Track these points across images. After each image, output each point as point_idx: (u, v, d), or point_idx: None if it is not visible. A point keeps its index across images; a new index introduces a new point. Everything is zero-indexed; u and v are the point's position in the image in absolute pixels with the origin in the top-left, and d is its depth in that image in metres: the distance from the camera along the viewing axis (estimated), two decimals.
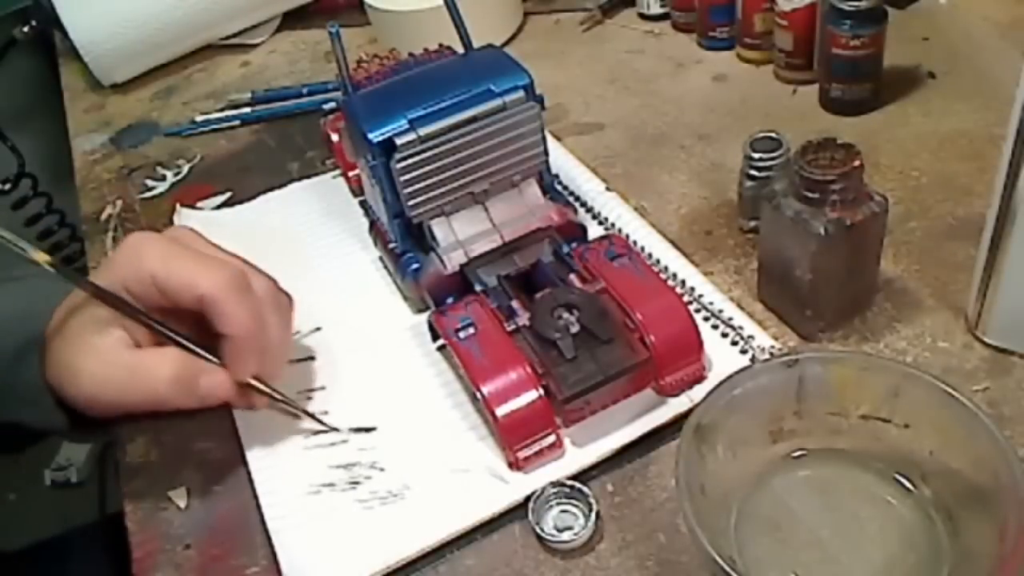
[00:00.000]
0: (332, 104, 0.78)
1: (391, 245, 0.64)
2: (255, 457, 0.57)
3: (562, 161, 0.75)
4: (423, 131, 0.57)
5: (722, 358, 0.57)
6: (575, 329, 0.54)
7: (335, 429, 0.58)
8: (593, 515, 0.51)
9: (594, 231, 0.67)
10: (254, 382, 0.57)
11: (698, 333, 0.56)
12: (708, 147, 0.77)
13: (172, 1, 0.95)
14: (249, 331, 0.54)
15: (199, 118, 0.91)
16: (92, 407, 0.56)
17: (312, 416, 0.58)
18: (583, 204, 0.71)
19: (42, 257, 0.53)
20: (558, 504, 0.52)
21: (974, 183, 0.68)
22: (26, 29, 1.03)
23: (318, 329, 0.65)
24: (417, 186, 0.59)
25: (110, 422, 0.59)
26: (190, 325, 0.56)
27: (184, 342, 0.56)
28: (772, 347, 0.58)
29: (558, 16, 0.98)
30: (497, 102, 0.59)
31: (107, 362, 0.54)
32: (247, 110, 0.91)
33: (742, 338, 0.59)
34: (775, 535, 0.49)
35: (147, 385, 0.54)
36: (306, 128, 0.86)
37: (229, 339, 0.54)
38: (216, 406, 0.57)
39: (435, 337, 0.59)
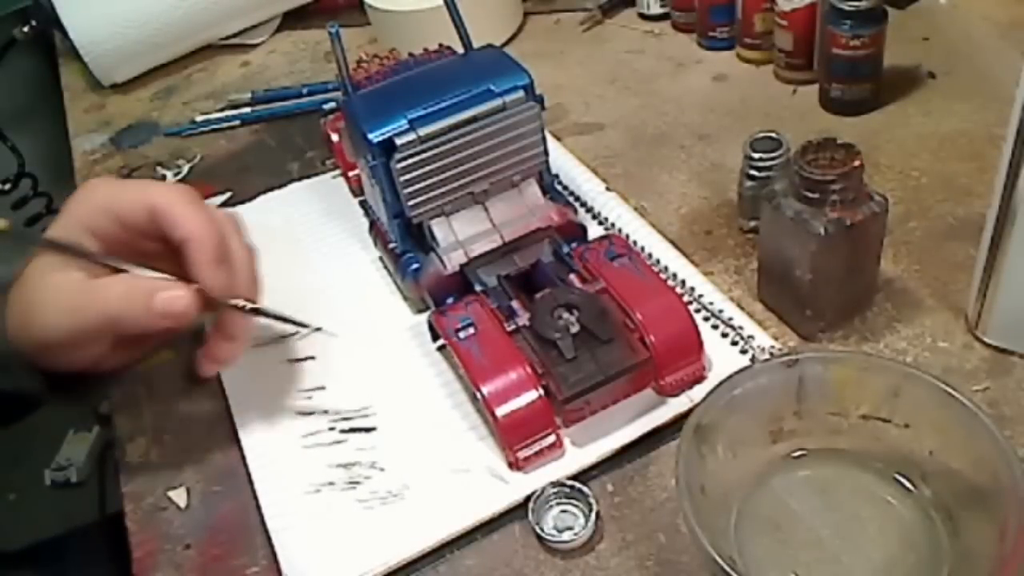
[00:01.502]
0: (332, 104, 0.78)
1: (391, 245, 0.64)
2: (255, 457, 0.57)
3: (562, 161, 0.75)
4: (423, 131, 0.57)
5: (722, 358, 0.57)
6: (575, 329, 0.54)
7: (306, 325, 0.57)
8: (593, 515, 0.51)
9: (594, 231, 0.67)
10: (241, 302, 0.54)
11: (698, 333, 0.56)
12: (708, 147, 0.77)
13: (172, 1, 0.95)
14: (205, 231, 0.52)
15: (199, 118, 0.91)
16: (50, 342, 0.53)
17: (293, 321, 0.56)
18: (583, 204, 0.71)
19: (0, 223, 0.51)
20: (558, 504, 0.52)
21: (974, 183, 0.68)
22: (26, 29, 1.03)
23: (318, 329, 0.65)
24: (417, 186, 0.59)
25: (86, 378, 0.57)
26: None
27: (145, 269, 0.53)
28: (772, 347, 0.58)
29: (558, 16, 0.98)
30: (497, 102, 0.59)
31: (62, 290, 0.52)
32: (247, 110, 0.91)
33: (742, 338, 0.59)
34: (775, 535, 0.49)
35: (99, 302, 0.51)
36: (306, 128, 0.86)
37: (187, 245, 0.52)
38: (181, 326, 0.52)
39: (435, 337, 0.59)
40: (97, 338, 0.54)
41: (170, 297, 0.51)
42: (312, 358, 0.63)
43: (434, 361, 0.61)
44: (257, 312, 0.55)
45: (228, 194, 0.80)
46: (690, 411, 0.49)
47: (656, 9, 0.93)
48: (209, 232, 0.52)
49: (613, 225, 0.69)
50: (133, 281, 0.53)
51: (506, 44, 0.94)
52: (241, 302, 0.54)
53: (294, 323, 0.58)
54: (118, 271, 0.53)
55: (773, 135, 0.63)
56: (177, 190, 0.54)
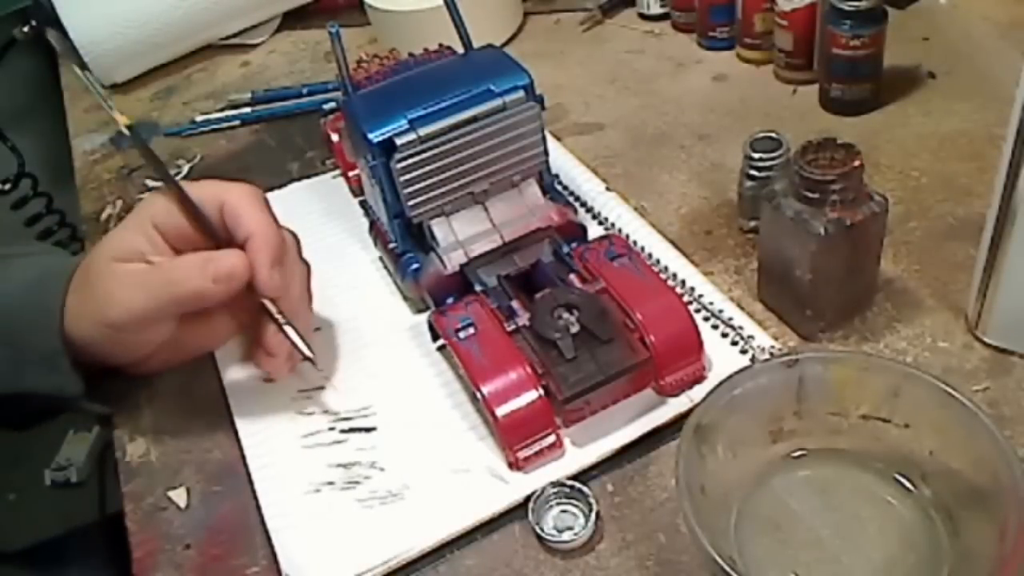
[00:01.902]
0: (332, 104, 0.78)
1: (391, 245, 0.64)
2: (254, 456, 0.57)
3: (562, 161, 0.75)
4: (423, 131, 0.57)
5: (722, 358, 0.57)
6: (575, 329, 0.54)
7: (314, 364, 0.58)
8: (593, 515, 0.51)
9: (594, 231, 0.67)
10: (269, 305, 0.56)
11: (698, 333, 0.56)
12: (708, 147, 0.77)
13: (172, 1, 0.95)
14: (268, 232, 0.55)
15: (199, 118, 0.91)
16: (125, 321, 0.56)
17: (307, 356, 0.57)
18: (583, 204, 0.71)
19: (123, 119, 0.56)
20: (558, 504, 0.52)
21: (974, 183, 0.68)
22: (26, 29, 1.02)
23: (318, 329, 0.65)
24: (417, 186, 0.59)
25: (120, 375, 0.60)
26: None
27: (212, 235, 0.56)
28: (772, 347, 0.58)
29: (558, 16, 0.98)
30: (497, 102, 0.59)
31: (132, 273, 0.55)
32: (247, 110, 0.91)
33: (742, 338, 0.59)
34: (775, 535, 0.49)
35: (166, 276, 0.55)
36: (306, 128, 0.86)
37: (249, 242, 0.55)
38: (233, 290, 0.55)
39: (435, 337, 0.59)
40: (166, 313, 0.56)
41: (230, 263, 0.54)
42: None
43: (434, 361, 0.61)
44: (285, 324, 0.57)
45: None
46: (690, 411, 0.49)
47: (656, 9, 0.93)
48: (271, 234, 0.56)
49: (613, 225, 0.69)
50: (192, 255, 0.56)
51: (506, 44, 0.94)
52: (274, 310, 0.57)
53: (307, 357, 0.58)
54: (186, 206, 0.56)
55: (773, 135, 0.63)
56: (248, 191, 0.57)
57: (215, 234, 0.56)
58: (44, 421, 0.66)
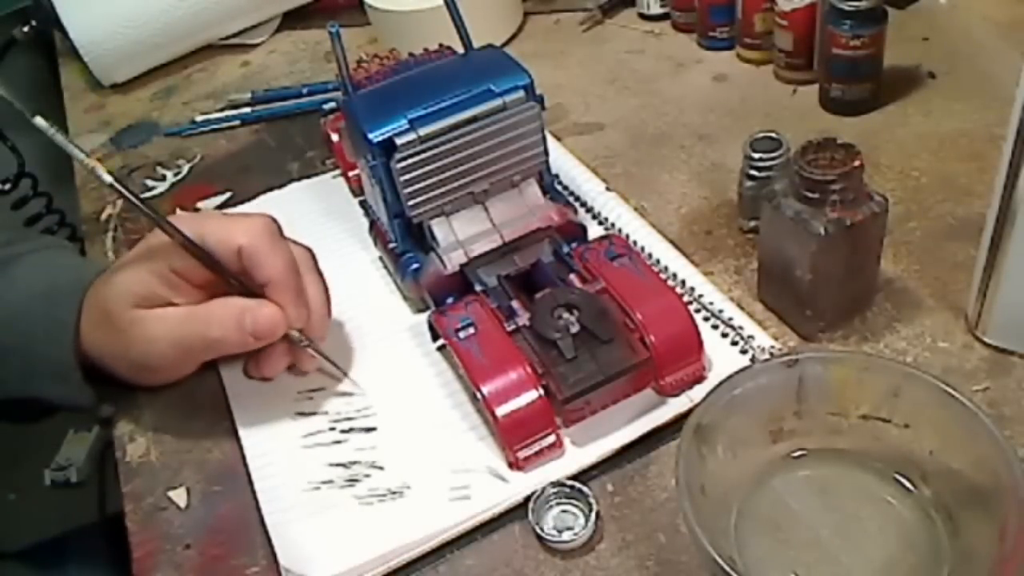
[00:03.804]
0: (332, 104, 0.78)
1: (391, 245, 0.64)
2: (254, 455, 0.57)
3: (562, 161, 0.75)
4: (423, 131, 0.57)
5: (722, 358, 0.57)
6: (575, 329, 0.54)
7: (345, 374, 0.61)
8: (593, 515, 0.51)
9: (594, 231, 0.67)
10: (297, 335, 0.58)
11: (698, 333, 0.56)
12: (708, 147, 0.76)
13: (172, 1, 0.95)
14: (286, 273, 0.56)
15: (199, 118, 0.91)
16: (154, 366, 0.57)
17: (337, 366, 0.60)
18: (583, 204, 0.71)
19: (105, 174, 0.53)
20: (558, 504, 0.52)
21: (974, 183, 0.68)
22: (26, 29, 1.02)
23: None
24: (417, 186, 0.59)
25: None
26: None
27: (231, 279, 0.56)
28: (772, 347, 0.58)
29: (558, 16, 0.98)
30: (497, 102, 0.59)
31: (165, 322, 0.56)
32: (247, 110, 0.91)
33: (742, 338, 0.59)
34: (775, 535, 0.49)
35: (201, 328, 0.55)
36: (306, 128, 0.86)
37: (269, 286, 0.56)
38: (271, 350, 0.58)
39: (435, 337, 0.59)
40: (199, 358, 0.59)
41: (262, 316, 0.55)
42: (312, 358, 0.63)
43: (434, 361, 0.61)
44: (314, 349, 0.60)
45: (228, 194, 0.80)
46: (690, 411, 0.49)
47: (656, 9, 0.93)
48: (290, 273, 0.56)
49: (613, 225, 0.69)
50: (226, 303, 0.56)
51: (506, 44, 0.94)
52: (303, 340, 0.58)
53: (337, 368, 0.61)
54: (208, 263, 0.56)
55: (773, 135, 0.63)
56: (259, 227, 0.56)
57: (233, 279, 0.56)
58: (49, 416, 0.67)
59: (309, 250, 0.61)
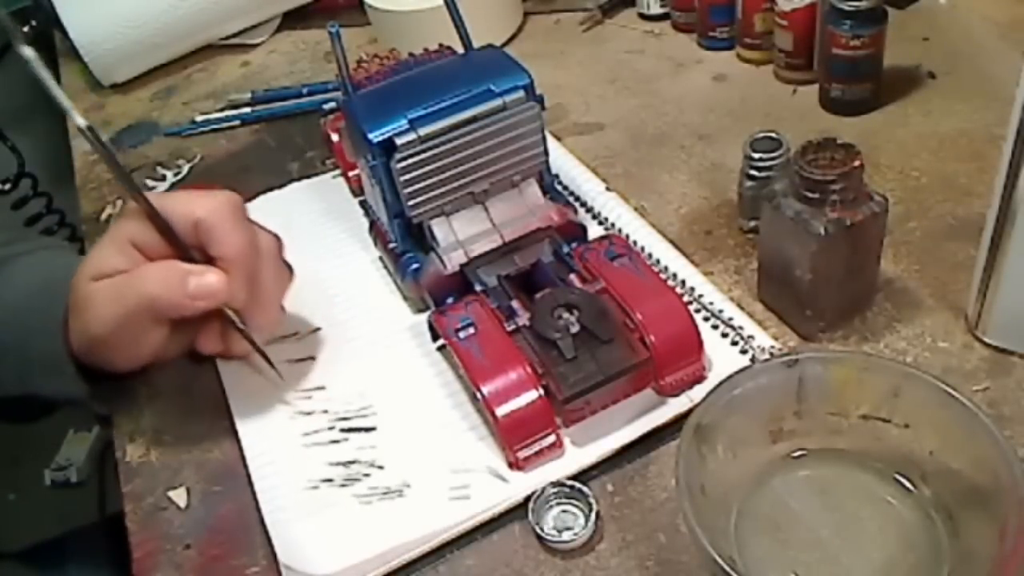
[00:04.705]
0: (332, 104, 0.78)
1: (391, 245, 0.64)
2: (254, 455, 0.57)
3: (562, 161, 0.75)
4: (423, 131, 0.57)
5: (722, 358, 0.57)
6: (575, 329, 0.54)
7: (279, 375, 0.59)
8: (593, 515, 0.51)
9: (594, 231, 0.67)
10: (234, 317, 0.56)
11: (698, 333, 0.56)
12: (708, 147, 0.76)
13: (172, 1, 0.95)
14: (242, 252, 0.55)
15: (199, 118, 0.91)
16: (104, 335, 0.55)
17: (271, 364, 0.59)
18: (583, 204, 0.71)
19: (81, 120, 0.54)
20: (558, 504, 0.52)
21: (974, 183, 0.68)
22: (26, 29, 1.02)
23: (318, 329, 0.65)
24: (417, 186, 0.59)
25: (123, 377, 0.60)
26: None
27: (186, 252, 0.55)
28: (772, 347, 0.58)
29: (558, 16, 0.98)
30: (497, 102, 0.59)
31: (105, 284, 0.55)
32: (247, 110, 0.91)
33: (742, 338, 0.59)
34: (775, 535, 0.49)
35: (138, 285, 0.54)
36: (306, 128, 0.86)
37: (220, 261, 0.55)
38: (208, 318, 0.56)
39: (435, 337, 0.59)
40: (143, 319, 0.55)
41: (203, 279, 0.54)
42: (312, 358, 0.63)
43: (434, 361, 0.61)
44: (249, 339, 0.58)
45: None
46: (690, 411, 0.49)
47: (656, 9, 0.93)
48: (245, 253, 0.55)
49: (613, 225, 0.69)
50: (169, 265, 0.55)
51: (506, 44, 0.94)
52: (239, 322, 0.57)
53: (266, 360, 0.60)
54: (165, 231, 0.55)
55: (773, 135, 0.63)
56: (222, 202, 0.55)
57: (186, 252, 0.55)
58: (47, 415, 0.67)
59: (278, 239, 0.60)
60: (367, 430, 0.58)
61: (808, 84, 0.80)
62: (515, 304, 0.57)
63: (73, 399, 0.60)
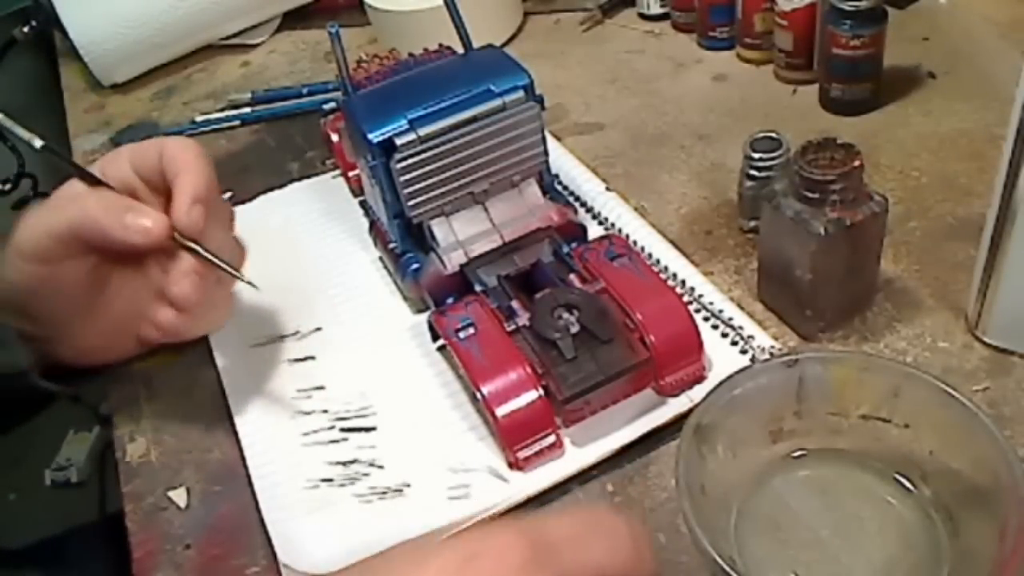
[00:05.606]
0: (332, 104, 0.78)
1: (391, 245, 0.64)
2: (254, 455, 0.57)
3: (562, 161, 0.75)
4: (423, 131, 0.57)
5: (722, 358, 0.57)
6: (575, 329, 0.54)
7: (241, 277, 0.56)
8: None
9: (594, 231, 0.67)
10: (193, 246, 0.54)
11: (698, 333, 0.56)
12: (708, 147, 0.77)
13: (172, 1, 0.95)
14: (199, 173, 0.55)
15: (199, 118, 0.91)
16: (29, 249, 0.54)
17: (228, 269, 0.56)
18: (583, 204, 0.71)
19: (37, 141, 0.53)
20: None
21: (974, 183, 0.68)
22: (26, 29, 1.02)
23: (318, 329, 0.65)
24: (417, 186, 0.59)
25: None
26: None
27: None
28: (772, 347, 0.58)
29: (558, 16, 0.98)
30: (497, 102, 0.59)
31: (44, 205, 0.55)
32: (247, 110, 0.91)
33: (742, 338, 0.59)
34: (775, 535, 0.49)
35: (76, 205, 0.53)
36: (306, 128, 0.86)
37: (176, 179, 0.54)
38: (143, 247, 0.54)
39: (435, 337, 0.59)
40: (72, 238, 0.53)
41: (141, 216, 0.53)
42: (312, 358, 0.63)
43: (434, 361, 0.61)
44: (195, 252, 0.54)
45: (228, 194, 0.79)
46: (690, 411, 0.49)
47: (656, 9, 0.93)
48: (202, 176, 0.55)
49: (613, 225, 0.69)
50: (113, 196, 0.55)
51: (506, 44, 0.94)
52: (194, 245, 0.54)
53: (230, 271, 0.56)
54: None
55: (773, 135, 0.63)
56: (189, 143, 0.56)
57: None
58: (26, 420, 0.66)
59: (232, 212, 0.60)
60: (367, 430, 0.58)
61: (808, 84, 0.80)
62: (515, 304, 0.57)
63: (19, 370, 0.58)
